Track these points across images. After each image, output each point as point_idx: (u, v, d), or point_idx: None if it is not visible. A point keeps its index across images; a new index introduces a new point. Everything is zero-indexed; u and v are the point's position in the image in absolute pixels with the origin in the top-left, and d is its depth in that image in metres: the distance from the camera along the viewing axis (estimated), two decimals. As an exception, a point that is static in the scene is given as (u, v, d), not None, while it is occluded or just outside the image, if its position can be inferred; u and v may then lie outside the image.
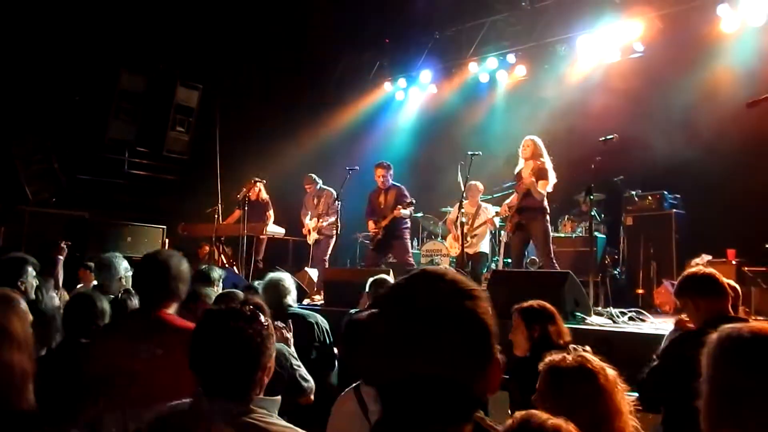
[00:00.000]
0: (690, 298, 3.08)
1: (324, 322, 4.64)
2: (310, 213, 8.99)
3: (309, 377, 3.59)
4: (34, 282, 4.02)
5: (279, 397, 1.94)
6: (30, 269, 3.99)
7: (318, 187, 8.92)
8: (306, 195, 9.12)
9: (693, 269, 3.28)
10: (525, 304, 3.42)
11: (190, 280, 2.83)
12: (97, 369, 2.60)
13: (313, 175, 8.95)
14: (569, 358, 1.91)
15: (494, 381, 1.07)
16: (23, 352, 1.27)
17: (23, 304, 1.44)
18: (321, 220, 8.78)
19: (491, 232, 8.94)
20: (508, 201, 7.24)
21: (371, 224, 8.27)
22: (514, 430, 1.54)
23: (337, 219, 8.47)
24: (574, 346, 3.29)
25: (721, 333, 1.70)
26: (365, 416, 2.67)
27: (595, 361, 1.87)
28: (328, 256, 8.87)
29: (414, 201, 8.09)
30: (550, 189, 6.82)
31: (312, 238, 8.93)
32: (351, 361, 2.97)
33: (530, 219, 6.80)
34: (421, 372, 1.00)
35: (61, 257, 5.09)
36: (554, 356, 1.98)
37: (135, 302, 3.77)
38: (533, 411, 1.56)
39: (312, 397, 3.47)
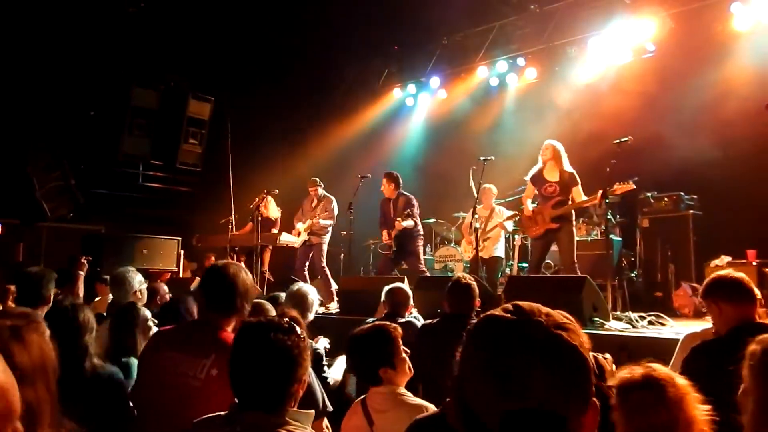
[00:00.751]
0: (715, 301, 3.00)
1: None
2: (305, 215, 8.88)
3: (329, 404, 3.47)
4: (52, 295, 4.05)
5: (313, 411, 1.95)
6: (54, 282, 4.04)
7: (320, 192, 8.88)
8: (306, 199, 9.01)
9: (722, 272, 3.18)
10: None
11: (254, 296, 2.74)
12: (154, 377, 2.54)
13: (317, 179, 8.92)
14: (637, 370, 1.90)
15: (590, 422, 1.04)
16: (30, 384, 1.21)
17: (35, 327, 1.36)
18: (317, 219, 8.63)
19: (505, 236, 8.89)
20: (527, 210, 7.00)
21: (384, 234, 8.28)
22: None
23: (330, 225, 8.53)
24: (594, 354, 3.25)
25: (764, 345, 1.65)
26: (370, 427, 2.68)
27: (662, 370, 1.84)
28: (324, 263, 8.81)
29: (411, 212, 7.98)
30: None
31: (301, 239, 8.72)
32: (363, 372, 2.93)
33: (561, 225, 6.67)
34: (519, 406, 0.98)
35: (82, 272, 5.15)
36: (622, 371, 1.96)
37: (143, 314, 3.73)
38: None
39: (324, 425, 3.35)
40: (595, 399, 1.05)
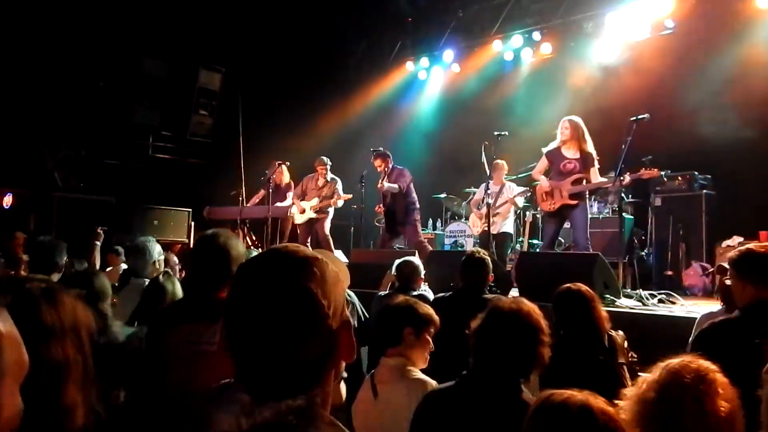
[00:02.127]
0: (741, 275, 2.82)
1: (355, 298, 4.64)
2: (308, 193, 8.86)
3: None
4: (63, 264, 4.07)
5: None
6: (64, 251, 4.06)
7: (328, 174, 8.88)
8: (307, 176, 9.01)
9: (759, 246, 2.93)
10: (561, 288, 3.33)
11: None
12: (172, 350, 2.55)
13: (326, 159, 8.92)
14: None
15: (340, 346, 1.10)
16: (58, 342, 1.23)
17: (71, 291, 1.38)
18: (335, 199, 8.66)
19: (515, 212, 8.86)
20: (545, 183, 6.79)
21: (378, 207, 8.55)
22: (536, 405, 1.56)
23: (333, 202, 8.62)
24: (611, 331, 3.25)
25: None
26: (374, 399, 2.72)
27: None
28: (327, 232, 8.86)
29: (395, 179, 8.18)
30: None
31: (305, 217, 8.78)
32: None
33: (577, 203, 6.51)
34: (255, 343, 1.04)
35: (98, 243, 5.16)
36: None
37: (173, 286, 3.72)
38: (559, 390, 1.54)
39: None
40: (336, 322, 1.09)
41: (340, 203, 8.73)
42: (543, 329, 2.25)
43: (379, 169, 8.33)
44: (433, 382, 2.65)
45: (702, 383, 1.65)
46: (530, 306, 2.30)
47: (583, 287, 3.29)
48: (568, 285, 3.30)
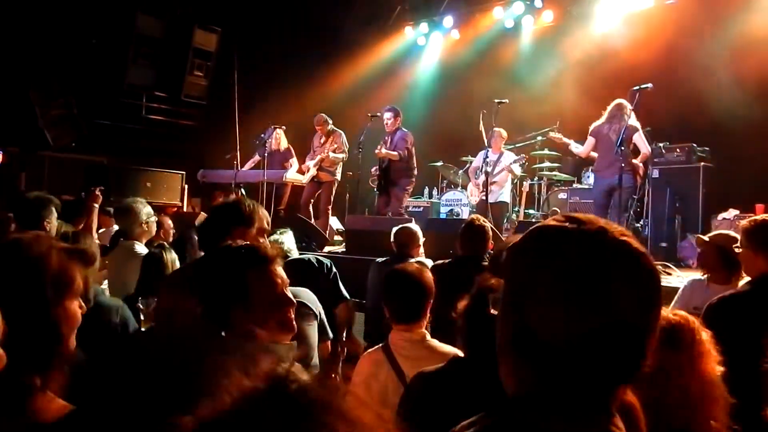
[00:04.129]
0: (751, 243, 2.76)
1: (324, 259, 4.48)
2: (315, 152, 8.75)
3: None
4: (55, 224, 3.95)
5: (294, 343, 1.93)
6: (54, 209, 3.94)
7: (328, 128, 8.75)
8: (314, 136, 8.90)
9: None
10: None
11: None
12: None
13: (324, 115, 8.78)
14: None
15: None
16: None
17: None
18: (327, 153, 8.51)
19: (512, 181, 8.80)
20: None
21: (374, 170, 8.33)
22: None
23: (342, 159, 8.51)
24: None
25: None
26: (400, 380, 2.53)
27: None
28: (330, 204, 8.74)
29: (399, 146, 8.00)
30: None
31: (309, 176, 8.62)
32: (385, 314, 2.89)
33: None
34: (600, 321, 0.90)
35: (96, 204, 4.95)
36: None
37: (171, 256, 3.67)
38: None
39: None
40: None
41: (332, 155, 8.53)
42: None
43: (387, 123, 8.14)
44: (460, 354, 2.55)
45: (698, 344, 1.61)
46: None
47: None
48: None
